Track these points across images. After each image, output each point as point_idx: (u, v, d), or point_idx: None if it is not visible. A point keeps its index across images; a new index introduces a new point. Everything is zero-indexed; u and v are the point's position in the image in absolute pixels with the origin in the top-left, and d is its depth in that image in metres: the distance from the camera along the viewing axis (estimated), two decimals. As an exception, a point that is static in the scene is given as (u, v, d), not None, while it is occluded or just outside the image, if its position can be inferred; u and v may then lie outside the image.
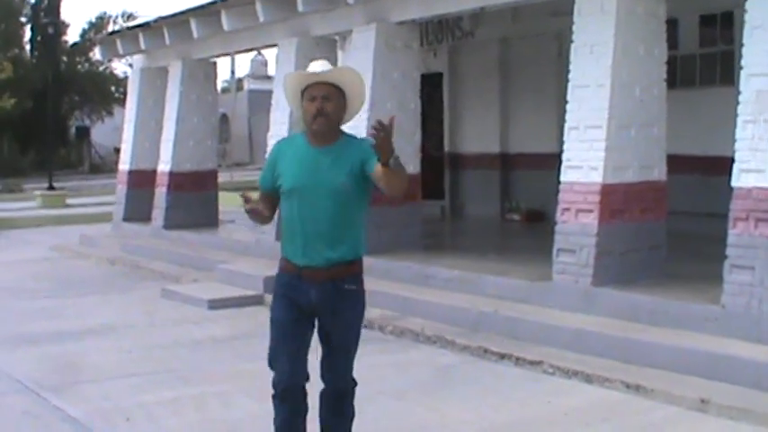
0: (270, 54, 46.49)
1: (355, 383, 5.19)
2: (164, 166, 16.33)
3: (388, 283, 10.77)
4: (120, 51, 18.06)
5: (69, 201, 27.69)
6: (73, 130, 49.93)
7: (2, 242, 19.31)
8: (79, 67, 49.20)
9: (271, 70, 54.40)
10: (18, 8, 47.55)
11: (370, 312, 10.41)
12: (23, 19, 48.11)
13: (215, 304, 11.27)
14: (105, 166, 46.50)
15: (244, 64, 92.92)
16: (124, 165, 17.90)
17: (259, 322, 10.48)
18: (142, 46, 16.87)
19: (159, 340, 9.69)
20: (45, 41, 46.29)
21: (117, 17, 47.57)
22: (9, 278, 14.24)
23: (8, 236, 20.45)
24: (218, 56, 16.79)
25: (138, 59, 18.46)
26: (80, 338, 9.80)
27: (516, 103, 16.39)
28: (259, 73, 51.96)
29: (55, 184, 31.02)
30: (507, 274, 10.14)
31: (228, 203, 16.71)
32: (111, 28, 44.34)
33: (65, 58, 48.08)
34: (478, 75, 16.82)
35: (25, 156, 45.48)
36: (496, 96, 16.59)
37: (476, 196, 16.99)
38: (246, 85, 52.52)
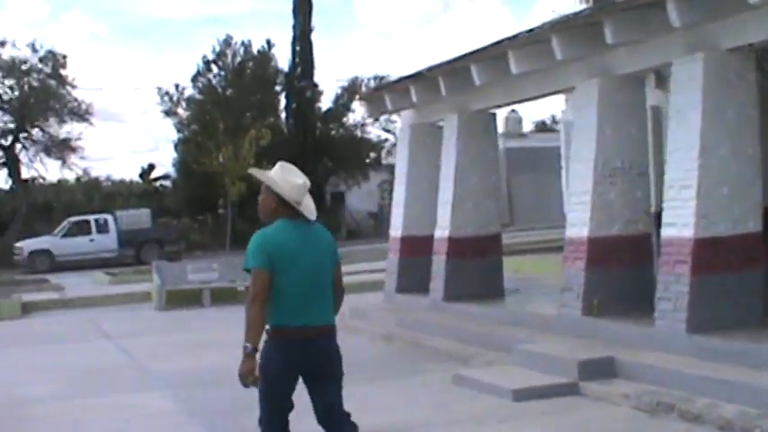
0: (524, 109, 44.97)
1: None
2: (441, 231, 14.73)
3: (739, 369, 8.72)
4: (389, 107, 16.61)
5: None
6: (328, 196, 49.93)
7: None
8: (333, 132, 49.34)
9: (526, 127, 52.70)
10: (273, 77, 48.25)
11: (725, 409, 8.37)
12: (278, 88, 48.75)
13: (521, 395, 9.43)
14: (361, 231, 46.01)
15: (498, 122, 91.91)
16: (396, 231, 16.45)
17: (578, 420, 8.61)
18: (413, 99, 15.39)
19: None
20: (300, 108, 46.67)
21: (369, 80, 47.32)
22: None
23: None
24: (499, 106, 15.07)
25: (405, 116, 17.07)
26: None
27: None
28: (515, 131, 50.29)
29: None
30: None
31: (506, 270, 15.01)
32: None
33: (319, 125, 48.30)
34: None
35: (282, 223, 45.63)
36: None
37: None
38: (502, 144, 50.75)
